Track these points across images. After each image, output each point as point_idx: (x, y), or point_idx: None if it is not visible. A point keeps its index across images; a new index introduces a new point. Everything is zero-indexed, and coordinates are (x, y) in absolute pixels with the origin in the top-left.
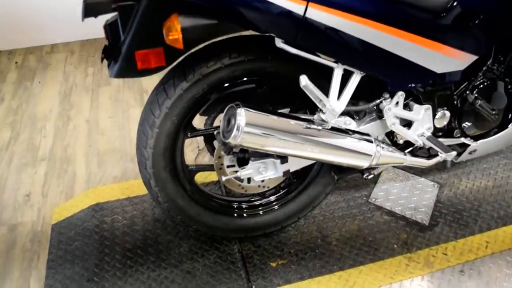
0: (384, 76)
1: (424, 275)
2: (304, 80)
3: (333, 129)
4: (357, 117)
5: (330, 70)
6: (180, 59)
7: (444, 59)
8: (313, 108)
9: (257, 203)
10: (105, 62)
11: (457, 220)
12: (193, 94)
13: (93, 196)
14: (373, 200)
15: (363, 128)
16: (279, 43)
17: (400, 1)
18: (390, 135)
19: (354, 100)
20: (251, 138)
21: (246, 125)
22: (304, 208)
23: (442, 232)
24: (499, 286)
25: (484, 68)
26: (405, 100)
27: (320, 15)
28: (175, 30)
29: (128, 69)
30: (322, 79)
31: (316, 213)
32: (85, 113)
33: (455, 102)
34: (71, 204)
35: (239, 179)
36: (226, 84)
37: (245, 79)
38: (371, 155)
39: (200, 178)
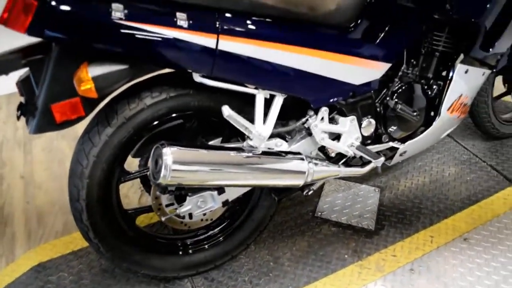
0: (304, 95)
1: (377, 280)
2: (226, 111)
3: (264, 153)
4: (290, 137)
5: (254, 96)
6: (102, 104)
7: (359, 70)
8: (244, 135)
9: (202, 237)
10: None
11: (401, 220)
12: (119, 139)
13: (34, 256)
14: (319, 214)
15: (295, 147)
16: (197, 77)
17: (306, 21)
18: (323, 149)
19: (284, 120)
20: (182, 175)
21: (174, 163)
22: (251, 234)
23: (389, 234)
24: (449, 277)
25: (399, 74)
26: (330, 114)
27: (232, 45)
28: (86, 80)
29: (46, 123)
30: (247, 105)
31: (265, 236)
32: (19, 168)
33: (378, 109)
34: (12, 269)
35: (180, 216)
36: (154, 123)
37: (174, 115)
38: (305, 173)
39: (145, 219)
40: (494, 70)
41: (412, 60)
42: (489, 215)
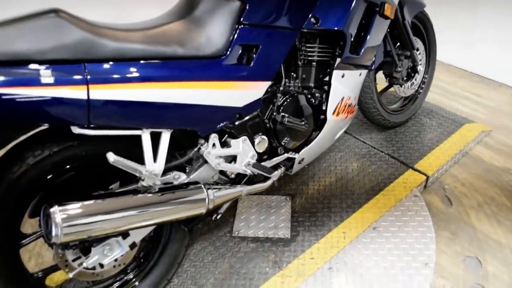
0: (189, 126)
1: (299, 285)
2: (111, 157)
3: (160, 190)
4: (190, 166)
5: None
6: None
7: (239, 93)
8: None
9: (118, 283)
10: None
11: (314, 223)
12: (7, 203)
13: None
14: (236, 233)
15: (194, 176)
16: (76, 129)
17: (177, 57)
18: (224, 172)
19: (181, 151)
20: (75, 230)
21: (64, 220)
22: (170, 269)
23: (304, 239)
24: (364, 268)
25: (281, 88)
26: (221, 138)
27: (105, 93)
28: None
29: None
30: (136, 146)
31: (187, 266)
32: None
33: (267, 125)
34: None
35: (90, 268)
36: (43, 180)
37: (64, 168)
38: (205, 200)
39: (62, 275)
40: (372, 68)
41: (292, 73)
42: (392, 201)
